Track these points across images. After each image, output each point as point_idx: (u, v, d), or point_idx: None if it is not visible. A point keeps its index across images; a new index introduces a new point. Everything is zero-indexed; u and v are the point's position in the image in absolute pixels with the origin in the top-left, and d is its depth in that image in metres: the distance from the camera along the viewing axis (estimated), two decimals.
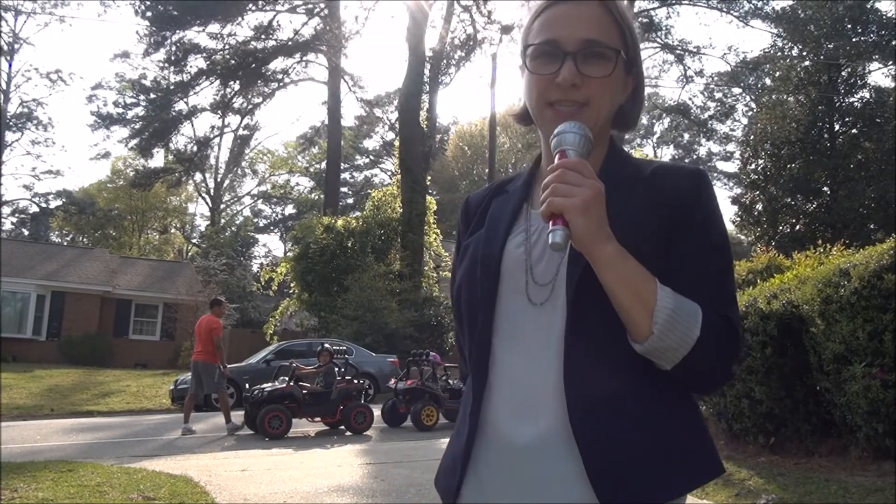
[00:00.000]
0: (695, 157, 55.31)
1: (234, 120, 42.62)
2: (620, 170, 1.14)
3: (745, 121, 34.81)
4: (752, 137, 26.83)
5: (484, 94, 60.26)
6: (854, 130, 24.86)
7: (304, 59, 34.80)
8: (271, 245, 78.98)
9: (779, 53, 27.83)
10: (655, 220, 1.07)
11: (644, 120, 54.14)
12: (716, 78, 34.54)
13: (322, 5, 31.83)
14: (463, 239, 1.27)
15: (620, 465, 1.01)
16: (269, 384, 10.25)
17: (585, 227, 0.97)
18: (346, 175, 50.57)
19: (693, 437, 1.07)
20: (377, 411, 10.72)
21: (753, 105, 30.64)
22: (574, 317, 1.05)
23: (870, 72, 25.85)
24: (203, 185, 47.78)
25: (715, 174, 56.67)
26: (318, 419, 10.25)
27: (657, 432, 1.04)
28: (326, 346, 11.12)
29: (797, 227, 24.72)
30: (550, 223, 0.98)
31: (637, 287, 0.99)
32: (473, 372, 1.15)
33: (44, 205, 45.00)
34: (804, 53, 26.03)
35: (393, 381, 11.87)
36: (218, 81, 33.33)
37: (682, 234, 1.07)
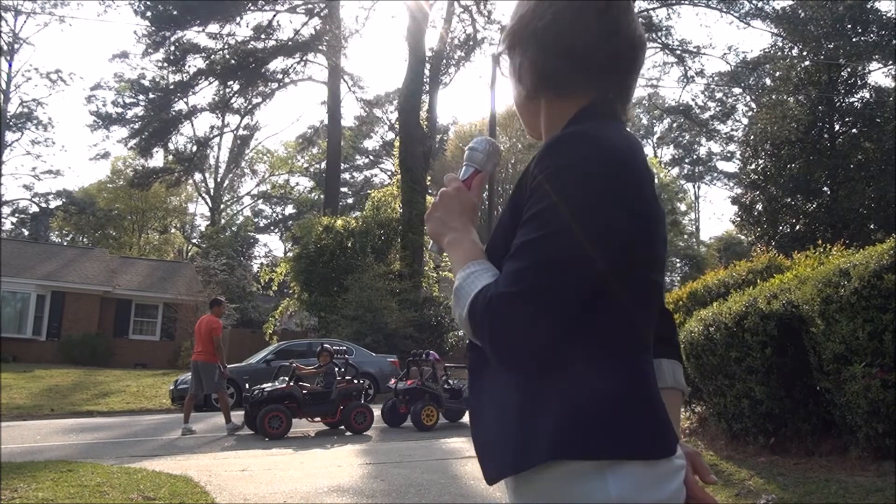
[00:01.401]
0: (695, 156, 55.33)
1: (233, 120, 42.69)
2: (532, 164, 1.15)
3: (745, 121, 34.82)
4: (752, 137, 26.84)
5: (484, 94, 60.30)
6: (854, 130, 24.87)
7: (304, 59, 34.79)
8: (271, 245, 79.00)
9: (779, 53, 27.84)
10: (513, 205, 1.10)
11: (644, 120, 54.15)
12: (716, 78, 34.56)
13: (322, 5, 31.83)
14: None
15: (481, 441, 1.11)
16: (269, 384, 10.24)
17: (429, 227, 1.19)
18: (346, 175, 50.60)
19: (559, 414, 0.99)
20: (377, 411, 10.72)
21: (753, 105, 30.64)
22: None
23: (870, 72, 25.86)
24: (203, 185, 47.83)
25: (715, 174, 56.77)
26: (318, 419, 10.26)
27: (513, 410, 1.03)
28: (326, 346, 11.11)
29: (797, 227, 24.73)
30: None
31: (454, 271, 1.11)
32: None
33: (44, 205, 45.04)
34: (804, 53, 26.05)
35: (393, 381, 11.87)
36: (217, 81, 33.34)
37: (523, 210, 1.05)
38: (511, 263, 0.99)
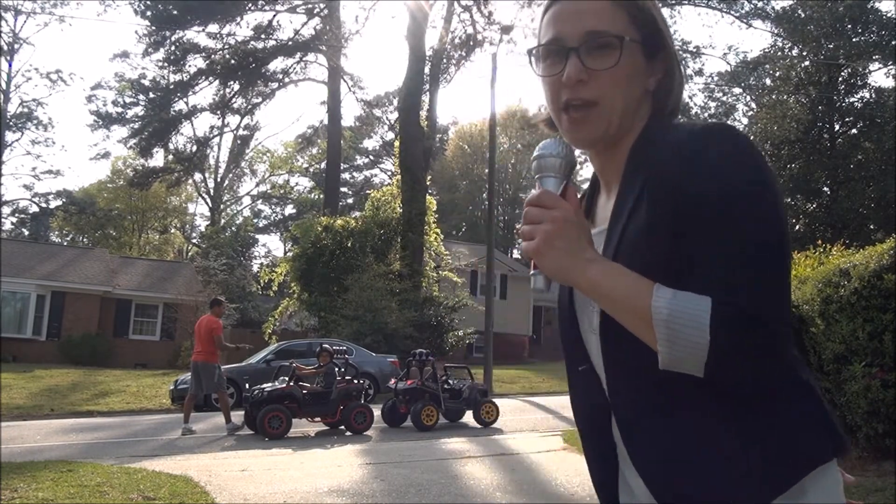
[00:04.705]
0: None
1: (233, 120, 42.70)
2: (640, 166, 1.05)
3: (745, 121, 34.81)
4: (752, 137, 26.81)
5: (484, 94, 60.28)
6: (854, 130, 24.90)
7: (304, 59, 34.81)
8: (271, 245, 79.02)
9: (779, 53, 27.85)
10: (663, 216, 0.97)
11: None
12: (716, 78, 34.56)
13: (322, 5, 31.82)
14: None
15: (674, 476, 0.98)
16: (269, 384, 10.24)
17: (552, 264, 0.96)
18: (346, 175, 50.62)
19: (771, 436, 0.96)
20: (377, 411, 10.71)
21: (753, 105, 30.65)
22: (605, 340, 1.05)
23: (870, 72, 25.86)
24: (203, 185, 47.85)
25: None
26: (318, 419, 10.25)
27: (715, 438, 0.96)
28: (326, 346, 11.10)
29: (797, 227, 24.73)
30: (532, 266, 0.99)
31: (629, 303, 0.94)
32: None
33: (44, 205, 45.03)
34: (804, 53, 26.05)
35: (393, 381, 11.86)
36: (217, 81, 33.34)
37: (693, 216, 0.95)
38: (739, 276, 0.92)
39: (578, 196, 1.19)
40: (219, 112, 37.25)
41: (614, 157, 1.09)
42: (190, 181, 44.98)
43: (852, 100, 25.08)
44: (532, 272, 0.99)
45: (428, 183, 25.24)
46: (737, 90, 33.05)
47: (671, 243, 0.96)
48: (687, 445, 0.97)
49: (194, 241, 49.29)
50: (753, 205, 0.94)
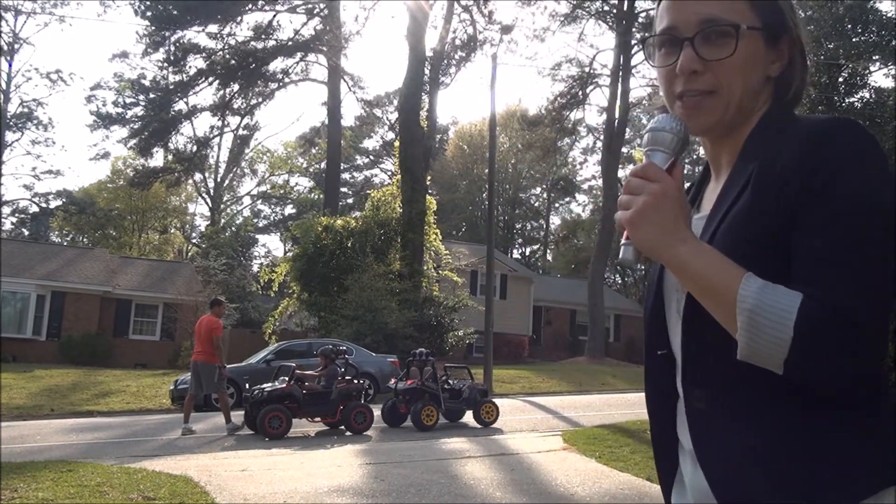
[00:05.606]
0: (695, 157, 55.34)
1: (233, 120, 42.69)
2: (753, 154, 1.01)
3: None
4: None
5: (484, 94, 60.34)
6: None
7: (304, 59, 34.82)
8: (271, 245, 79.06)
9: None
10: (766, 204, 0.94)
11: (644, 120, 54.14)
12: None
13: (322, 5, 31.84)
14: None
15: (730, 469, 0.96)
16: (269, 384, 10.24)
17: (643, 237, 0.94)
18: (346, 175, 50.64)
19: (826, 449, 0.91)
20: (377, 411, 10.72)
21: None
22: (687, 325, 1.02)
23: (870, 72, 25.85)
24: (203, 185, 47.86)
25: None
26: (318, 419, 10.25)
27: (782, 442, 0.92)
28: (325, 350, 11.04)
29: None
30: (623, 237, 0.98)
31: (716, 288, 0.90)
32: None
33: (44, 205, 45.03)
34: None
35: (393, 381, 11.87)
36: (217, 82, 33.34)
37: (799, 208, 0.92)
38: (838, 275, 0.88)
39: (688, 184, 1.18)
40: (219, 112, 37.25)
41: (729, 145, 1.07)
42: (190, 181, 45.00)
43: (852, 100, 25.03)
44: (623, 242, 0.98)
45: (428, 183, 25.23)
46: None
47: (771, 234, 0.94)
48: (754, 446, 0.94)
49: (194, 241, 49.31)
50: (866, 204, 0.90)
